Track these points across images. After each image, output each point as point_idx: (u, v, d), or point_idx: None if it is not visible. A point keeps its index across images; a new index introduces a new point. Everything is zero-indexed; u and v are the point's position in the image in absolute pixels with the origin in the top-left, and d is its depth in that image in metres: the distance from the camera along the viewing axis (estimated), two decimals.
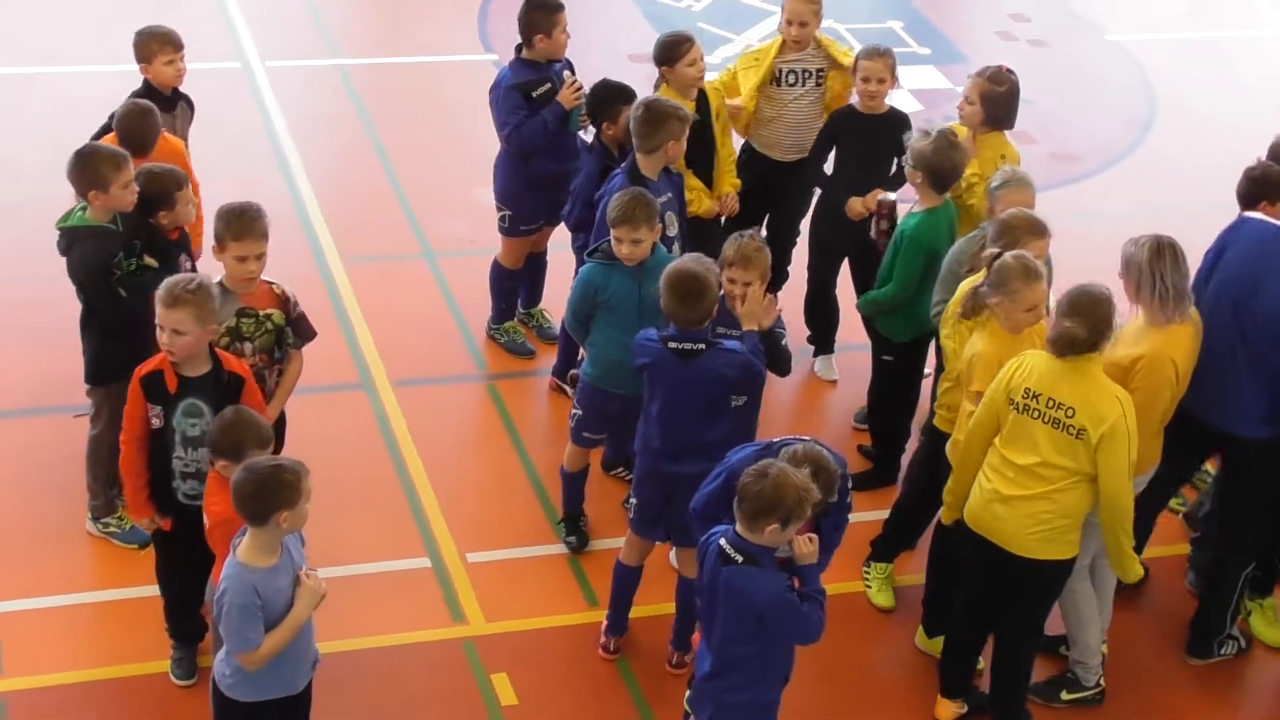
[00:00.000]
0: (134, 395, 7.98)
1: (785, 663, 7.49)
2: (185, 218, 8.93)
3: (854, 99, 10.53)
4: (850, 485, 7.71)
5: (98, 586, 9.09)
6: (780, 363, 8.68)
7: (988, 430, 8.11)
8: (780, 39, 10.74)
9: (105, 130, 9.59)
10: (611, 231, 8.84)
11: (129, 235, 8.71)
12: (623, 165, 9.61)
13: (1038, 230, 8.58)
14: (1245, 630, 9.42)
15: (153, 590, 8.68)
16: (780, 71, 10.68)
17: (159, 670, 8.55)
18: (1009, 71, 10.01)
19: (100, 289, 8.68)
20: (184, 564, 8.15)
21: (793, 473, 7.05)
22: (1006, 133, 10.10)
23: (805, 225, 11.15)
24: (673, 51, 10.19)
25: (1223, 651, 9.30)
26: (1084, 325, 7.75)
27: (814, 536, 7.25)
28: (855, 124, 10.43)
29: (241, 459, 7.30)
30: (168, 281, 7.87)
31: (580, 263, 9.65)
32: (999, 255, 8.21)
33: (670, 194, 9.57)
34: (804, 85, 10.72)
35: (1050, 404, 7.85)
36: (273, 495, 6.94)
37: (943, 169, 9.35)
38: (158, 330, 7.84)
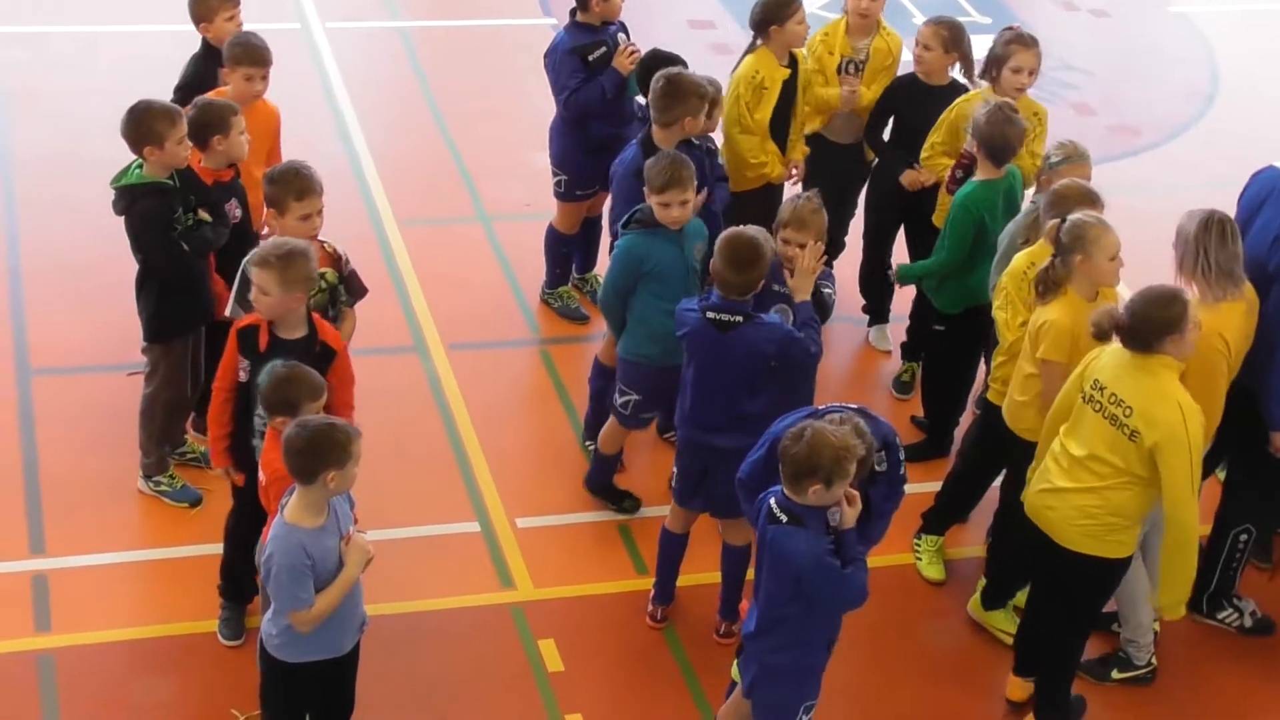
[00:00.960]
0: (229, 346, 8.03)
1: (828, 627, 7.46)
2: (238, 149, 8.92)
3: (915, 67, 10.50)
4: (903, 455, 7.65)
5: (148, 545, 9.12)
6: (821, 309, 8.64)
7: (1065, 412, 8.04)
8: (844, 20, 10.66)
9: (180, 99, 9.55)
10: (657, 198, 8.77)
11: (185, 191, 8.72)
12: (639, 136, 9.62)
13: (1091, 199, 8.53)
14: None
15: (202, 549, 8.75)
16: (842, 61, 10.64)
17: (207, 630, 8.57)
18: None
19: (161, 245, 8.69)
20: (253, 522, 8.17)
21: (830, 431, 7.01)
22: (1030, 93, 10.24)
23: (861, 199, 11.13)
24: (783, 10, 10.21)
25: (1219, 617, 9.25)
26: (1155, 308, 7.61)
27: (854, 494, 7.19)
28: (914, 94, 10.39)
29: (298, 413, 7.32)
30: (266, 243, 7.94)
31: (614, 236, 9.64)
32: (1061, 221, 8.14)
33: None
34: (857, 75, 10.68)
35: (1112, 399, 7.74)
36: (323, 454, 6.94)
37: (995, 141, 9.28)
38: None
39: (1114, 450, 7.75)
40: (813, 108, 10.62)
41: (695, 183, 8.89)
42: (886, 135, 10.68)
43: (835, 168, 10.83)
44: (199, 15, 9.96)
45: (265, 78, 9.60)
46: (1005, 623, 8.97)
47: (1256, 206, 8.77)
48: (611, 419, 9.39)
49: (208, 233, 8.74)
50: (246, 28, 9.93)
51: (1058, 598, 8.24)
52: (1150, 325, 7.61)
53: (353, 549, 7.13)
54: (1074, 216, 8.14)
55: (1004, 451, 8.72)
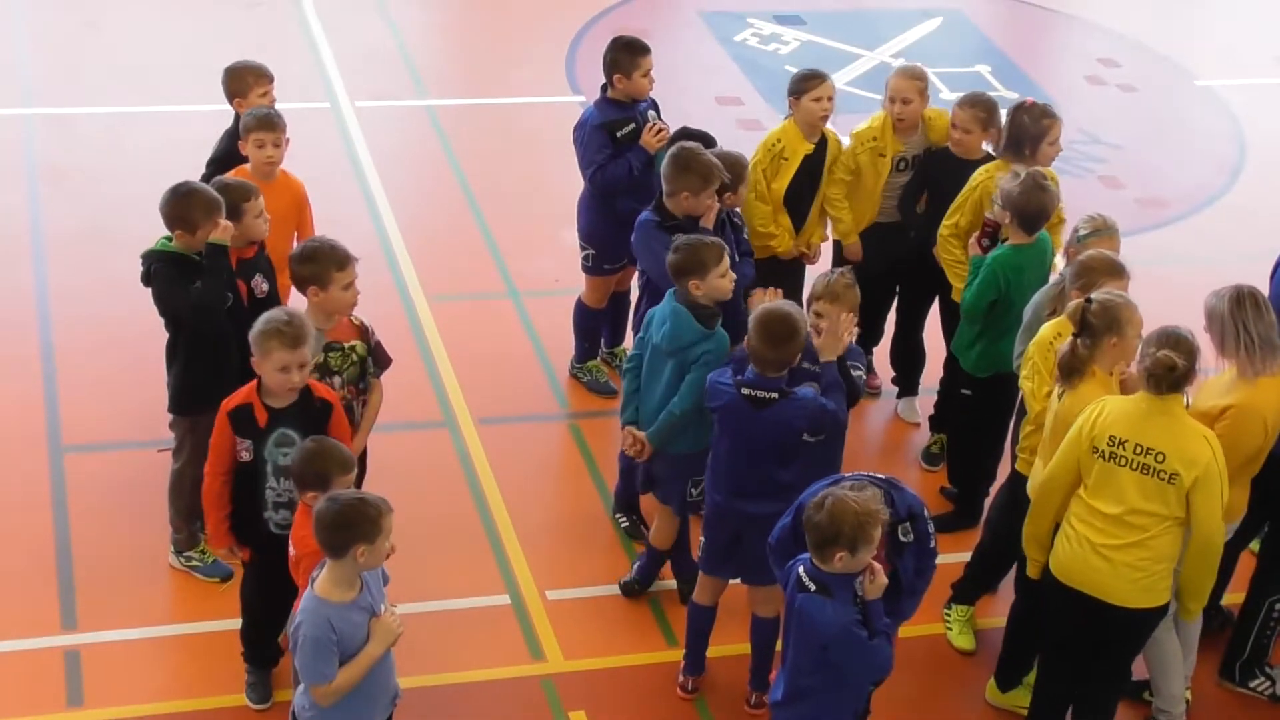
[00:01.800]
0: (221, 428, 8.05)
1: (855, 699, 7.46)
2: (254, 230, 8.97)
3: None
4: (932, 529, 7.66)
5: (180, 619, 9.15)
6: (851, 391, 8.61)
7: (1066, 479, 8.03)
8: (886, 117, 10.63)
9: (208, 176, 9.65)
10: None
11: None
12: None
13: (1116, 271, 8.55)
14: None
15: (233, 624, 8.74)
16: (895, 159, 10.65)
17: (238, 703, 8.59)
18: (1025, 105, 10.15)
19: (183, 296, 8.71)
20: (269, 590, 8.22)
21: (851, 498, 7.05)
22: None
23: None
24: (803, 84, 10.40)
25: (1251, 685, 9.23)
26: (1181, 354, 7.67)
27: (878, 567, 7.19)
28: (948, 166, 10.41)
29: (329, 487, 7.38)
30: (276, 321, 7.90)
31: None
32: (1088, 300, 8.14)
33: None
34: (911, 169, 10.71)
35: (1139, 450, 7.76)
36: (353, 528, 6.97)
37: (1029, 210, 9.32)
38: (279, 372, 7.90)
39: (1152, 499, 7.78)
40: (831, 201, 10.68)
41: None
42: (921, 207, 10.70)
43: (879, 254, 10.82)
44: (233, 91, 10.10)
45: (278, 144, 9.70)
46: (1026, 698, 8.93)
47: None
48: (666, 512, 9.32)
49: (234, 309, 8.79)
50: (278, 107, 10.04)
51: (1101, 659, 8.22)
52: (1177, 369, 7.67)
53: (379, 627, 7.15)
54: (1100, 297, 8.12)
55: None
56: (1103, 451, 7.84)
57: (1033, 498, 8.25)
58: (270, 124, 9.66)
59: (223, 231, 8.69)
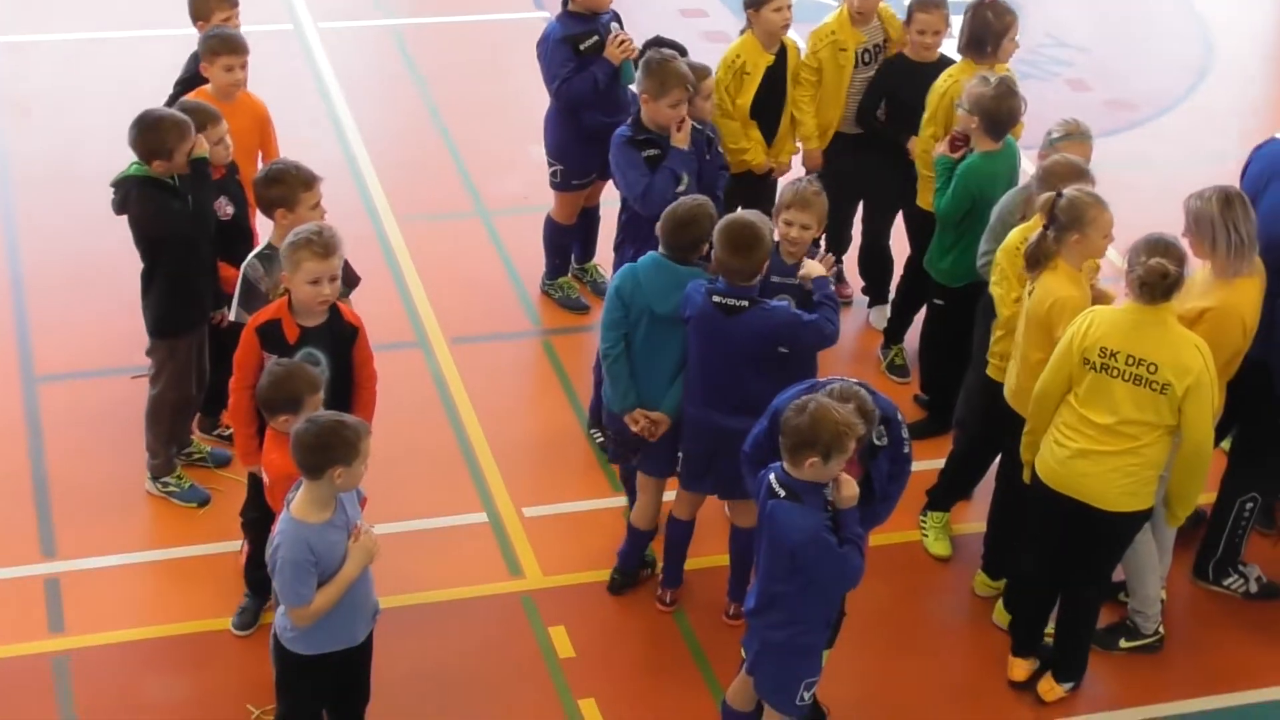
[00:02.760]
0: (248, 344, 7.98)
1: (826, 606, 7.50)
2: (216, 156, 8.90)
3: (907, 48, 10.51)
4: (906, 434, 7.70)
5: (158, 545, 9.16)
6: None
7: (1058, 389, 8.06)
8: (844, 11, 10.59)
9: (175, 99, 9.62)
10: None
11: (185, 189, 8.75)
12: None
13: (1081, 175, 8.55)
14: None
15: (211, 548, 8.83)
16: (856, 53, 10.61)
17: (220, 628, 8.62)
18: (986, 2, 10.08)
19: (165, 215, 8.69)
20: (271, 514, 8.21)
21: (834, 407, 7.08)
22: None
23: None
24: None
25: (1225, 583, 9.31)
26: (1172, 261, 7.70)
27: (848, 477, 7.22)
28: (908, 72, 10.38)
29: (300, 409, 7.39)
30: (305, 232, 7.84)
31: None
32: (1059, 194, 8.16)
33: (685, 147, 9.51)
34: (875, 62, 10.67)
35: (1130, 360, 7.79)
36: (331, 450, 6.97)
37: (999, 115, 9.31)
38: (310, 285, 7.81)
39: (1145, 409, 7.83)
40: (798, 105, 10.64)
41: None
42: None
43: (845, 160, 10.81)
44: (197, 14, 10.00)
45: (244, 66, 9.62)
46: None
47: (1264, 182, 8.78)
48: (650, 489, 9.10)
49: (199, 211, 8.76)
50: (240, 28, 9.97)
51: (1085, 562, 8.32)
52: (1169, 276, 7.70)
53: (356, 549, 7.17)
54: (1070, 193, 8.15)
55: (1007, 429, 8.72)
56: (1094, 363, 7.87)
57: (1028, 409, 8.27)
58: (239, 46, 9.58)
59: (200, 146, 8.67)
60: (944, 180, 9.55)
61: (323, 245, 7.80)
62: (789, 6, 10.31)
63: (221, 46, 9.53)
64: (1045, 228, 8.20)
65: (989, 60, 9.92)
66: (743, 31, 10.46)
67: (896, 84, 10.45)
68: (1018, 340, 8.47)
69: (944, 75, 10.01)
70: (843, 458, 7.10)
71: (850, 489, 7.23)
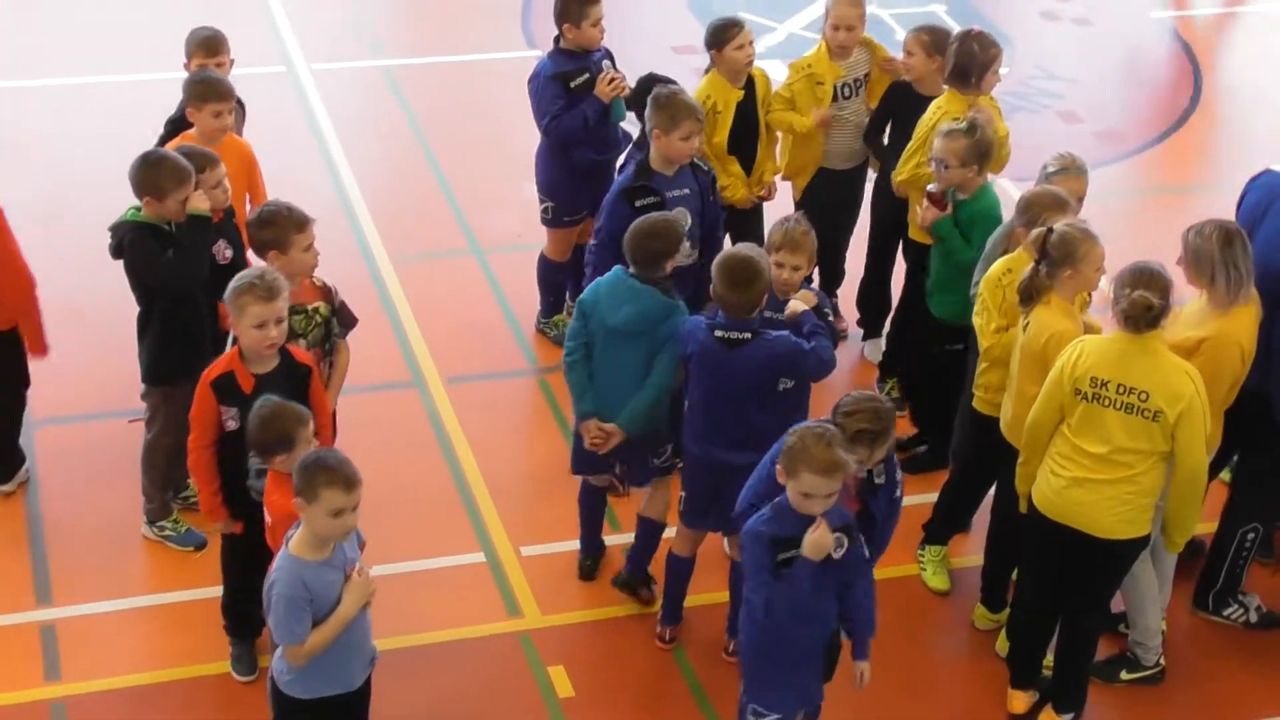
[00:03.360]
0: (204, 399, 8.00)
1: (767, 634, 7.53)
2: (214, 200, 8.89)
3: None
4: (900, 477, 7.81)
5: (154, 590, 9.15)
6: (834, 336, 8.62)
7: (1051, 420, 8.06)
8: (824, 45, 10.63)
9: (166, 138, 9.65)
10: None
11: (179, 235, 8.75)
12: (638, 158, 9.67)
13: (1061, 206, 8.60)
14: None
15: (208, 592, 8.75)
16: (835, 88, 10.64)
17: (219, 671, 8.61)
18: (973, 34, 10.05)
19: (159, 264, 8.68)
20: (251, 559, 8.16)
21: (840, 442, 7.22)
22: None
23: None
24: (722, 35, 10.26)
25: (1225, 614, 9.30)
26: (1156, 293, 7.71)
27: (823, 524, 7.24)
28: (909, 100, 10.39)
29: (294, 446, 7.42)
30: (250, 277, 7.87)
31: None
32: (1048, 231, 8.18)
33: (689, 189, 9.55)
34: (857, 94, 10.70)
35: (1121, 389, 7.80)
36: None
37: (987, 149, 9.36)
38: (256, 329, 7.84)
39: (1138, 437, 7.84)
40: (778, 128, 10.65)
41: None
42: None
43: (834, 196, 10.85)
44: (189, 57, 10.01)
45: (231, 111, 9.63)
46: None
47: (1261, 212, 8.79)
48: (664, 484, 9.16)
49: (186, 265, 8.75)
50: (235, 72, 9.99)
51: (1083, 591, 8.32)
52: (1154, 308, 7.72)
53: (352, 587, 7.15)
54: (1061, 228, 8.17)
55: (1001, 460, 8.71)
56: (1085, 393, 7.88)
57: (1022, 441, 8.27)
58: (226, 92, 9.57)
59: (200, 201, 8.67)
60: (956, 236, 9.50)
61: (266, 289, 7.82)
62: (751, 42, 10.33)
63: (210, 93, 9.51)
64: (1037, 262, 8.21)
65: (973, 91, 9.94)
66: (707, 71, 10.45)
67: (901, 111, 10.46)
68: (1013, 373, 8.48)
69: (931, 107, 10.02)
70: (815, 482, 7.14)
71: (820, 539, 7.21)
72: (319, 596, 7.06)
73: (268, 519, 7.67)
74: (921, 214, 9.59)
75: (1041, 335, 8.19)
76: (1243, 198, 9.04)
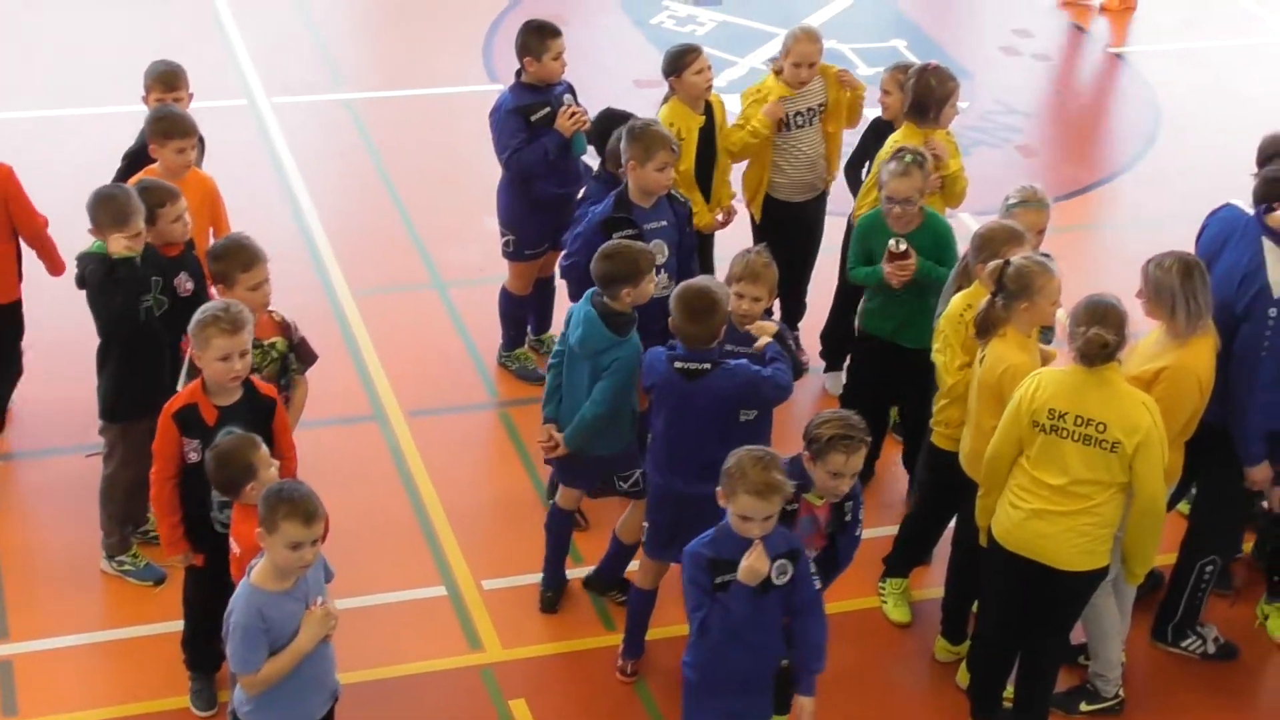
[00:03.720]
0: (167, 431, 7.97)
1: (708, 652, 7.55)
2: (172, 234, 8.89)
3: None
4: (861, 515, 7.91)
5: (113, 625, 9.09)
6: (796, 367, 8.65)
7: (1009, 453, 8.10)
8: (775, 79, 10.68)
9: (125, 172, 9.63)
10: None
11: (146, 268, 8.73)
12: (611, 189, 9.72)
13: (1017, 239, 8.64)
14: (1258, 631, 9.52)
15: (167, 627, 8.72)
16: (788, 116, 10.69)
17: (178, 706, 8.56)
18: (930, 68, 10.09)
19: (107, 303, 8.66)
20: (214, 592, 8.13)
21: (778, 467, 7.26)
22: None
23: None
24: (679, 61, 10.35)
25: (1183, 645, 9.34)
26: (1111, 330, 7.76)
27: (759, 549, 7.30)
28: (883, 138, 10.41)
29: (256, 473, 7.43)
30: (212, 309, 7.87)
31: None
32: (1005, 264, 8.22)
33: (666, 221, 9.58)
34: (811, 124, 10.75)
35: (1079, 421, 7.84)
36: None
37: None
38: (220, 362, 7.83)
39: (1096, 468, 7.87)
40: (738, 146, 10.67)
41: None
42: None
43: (791, 229, 10.90)
44: (149, 87, 10.00)
45: (194, 146, 9.60)
46: None
47: (1219, 246, 8.81)
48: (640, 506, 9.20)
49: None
50: (195, 105, 9.98)
51: (1044, 622, 8.34)
52: (1109, 346, 7.76)
53: (310, 619, 7.12)
54: (1018, 261, 8.21)
55: (960, 494, 8.74)
56: (1043, 425, 7.91)
57: (981, 474, 8.30)
58: (189, 129, 9.55)
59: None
60: (935, 268, 9.47)
61: (230, 321, 7.82)
62: (709, 67, 10.41)
63: (174, 129, 9.49)
64: (993, 295, 8.25)
65: (930, 125, 10.00)
66: (665, 100, 10.49)
67: (874, 148, 10.48)
68: (971, 407, 8.51)
69: (888, 143, 10.05)
70: (751, 504, 7.19)
71: (755, 564, 7.25)
72: (277, 627, 7.03)
73: (235, 549, 7.65)
74: (892, 274, 9.49)
75: (997, 368, 8.23)
76: (1202, 231, 9.08)
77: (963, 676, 9.00)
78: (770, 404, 8.41)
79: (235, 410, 7.97)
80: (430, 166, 13.73)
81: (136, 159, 9.75)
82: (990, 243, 8.62)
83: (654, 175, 9.42)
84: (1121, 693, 8.92)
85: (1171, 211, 11.63)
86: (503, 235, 10.81)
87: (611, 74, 14.96)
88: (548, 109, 10.37)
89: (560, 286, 11.04)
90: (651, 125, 9.50)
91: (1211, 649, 9.33)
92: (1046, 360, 8.38)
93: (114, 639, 9.02)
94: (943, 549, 9.36)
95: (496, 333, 11.27)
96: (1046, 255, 8.58)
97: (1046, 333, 8.86)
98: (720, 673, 7.54)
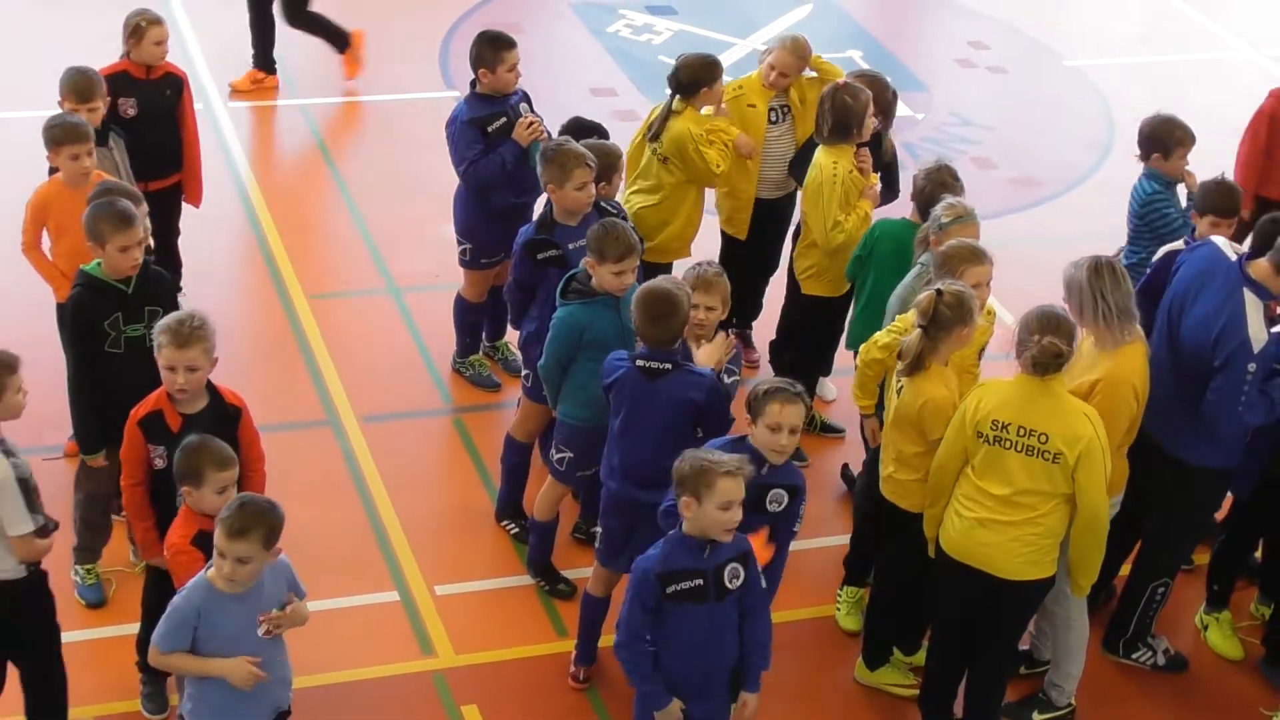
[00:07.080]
0: (133, 439, 7.93)
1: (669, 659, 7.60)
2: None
3: None
4: (801, 514, 7.97)
5: (67, 627, 9.00)
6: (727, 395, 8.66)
7: (954, 464, 8.15)
8: (756, 74, 10.81)
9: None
10: (614, 266, 8.74)
11: (137, 299, 8.59)
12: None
13: (979, 257, 8.65)
14: (1205, 642, 9.60)
15: (118, 630, 8.68)
16: (770, 109, 10.76)
17: (129, 709, 8.55)
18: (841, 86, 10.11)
19: (70, 340, 8.60)
20: (170, 597, 8.12)
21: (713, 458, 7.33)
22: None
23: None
24: (713, 71, 10.49)
25: (1134, 657, 9.41)
26: (1064, 339, 7.80)
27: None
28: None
29: (201, 482, 7.38)
30: (171, 321, 7.82)
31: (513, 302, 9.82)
32: (939, 293, 8.17)
33: None
34: (784, 122, 10.79)
35: (1021, 432, 7.88)
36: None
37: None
38: (164, 369, 7.80)
39: (1038, 479, 7.91)
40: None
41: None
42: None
43: (763, 226, 10.99)
44: (63, 96, 9.92)
45: (90, 153, 9.43)
46: (894, 675, 9.11)
47: (1197, 287, 8.71)
48: (548, 480, 9.34)
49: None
50: None
51: (991, 632, 8.37)
52: (1062, 355, 7.82)
53: (238, 665, 7.12)
54: (951, 288, 8.19)
55: (886, 523, 8.79)
56: (987, 436, 7.95)
57: (928, 485, 8.34)
58: (82, 134, 9.38)
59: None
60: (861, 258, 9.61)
61: (183, 335, 7.77)
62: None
63: (64, 136, 9.34)
64: (924, 329, 8.19)
65: (854, 140, 10.04)
66: (673, 111, 10.46)
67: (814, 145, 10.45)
68: (886, 429, 8.54)
69: (825, 163, 10.02)
70: (729, 489, 7.23)
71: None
72: (214, 624, 7.06)
73: (165, 551, 7.64)
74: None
75: (915, 402, 8.25)
76: (1178, 266, 8.96)
77: (860, 671, 9.11)
78: (722, 415, 8.41)
79: (200, 418, 7.92)
80: (385, 172, 13.72)
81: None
82: (953, 260, 8.61)
83: (574, 194, 9.42)
84: (1073, 701, 8.96)
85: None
86: (459, 244, 10.80)
87: (568, 83, 14.97)
88: (504, 119, 10.36)
89: None
90: (565, 145, 9.47)
91: (1161, 661, 9.38)
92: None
93: (66, 641, 8.93)
94: None
95: (450, 339, 11.27)
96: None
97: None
98: (678, 679, 7.56)
